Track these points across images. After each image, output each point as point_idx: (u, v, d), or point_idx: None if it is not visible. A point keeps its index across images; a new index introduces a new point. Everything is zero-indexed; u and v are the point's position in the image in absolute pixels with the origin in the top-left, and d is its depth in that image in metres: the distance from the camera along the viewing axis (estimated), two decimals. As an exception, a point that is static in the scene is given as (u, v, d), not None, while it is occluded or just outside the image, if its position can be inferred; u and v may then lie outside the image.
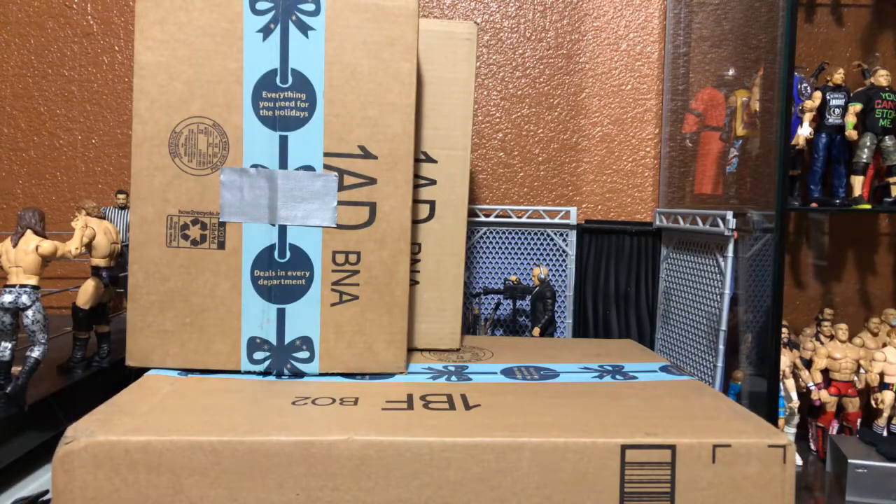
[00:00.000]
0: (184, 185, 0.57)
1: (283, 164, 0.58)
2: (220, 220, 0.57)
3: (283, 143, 0.58)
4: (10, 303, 0.56)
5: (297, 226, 0.58)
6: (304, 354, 0.59)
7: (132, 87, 1.03)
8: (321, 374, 0.59)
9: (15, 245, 0.57)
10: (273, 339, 0.59)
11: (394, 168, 0.59)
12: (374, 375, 0.59)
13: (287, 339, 0.59)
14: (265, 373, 0.59)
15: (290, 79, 0.57)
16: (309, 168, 0.58)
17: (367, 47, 0.58)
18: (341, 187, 0.59)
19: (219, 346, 0.58)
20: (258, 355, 0.59)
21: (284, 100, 0.57)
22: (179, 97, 0.57)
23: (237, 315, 0.58)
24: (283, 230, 0.58)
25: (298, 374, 0.59)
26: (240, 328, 0.58)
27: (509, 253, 0.98)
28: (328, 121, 0.58)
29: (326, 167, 0.58)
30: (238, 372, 0.58)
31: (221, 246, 0.58)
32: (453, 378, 0.59)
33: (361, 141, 0.58)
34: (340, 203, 0.59)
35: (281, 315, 0.59)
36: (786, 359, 0.82)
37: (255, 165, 0.57)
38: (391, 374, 0.60)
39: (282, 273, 0.58)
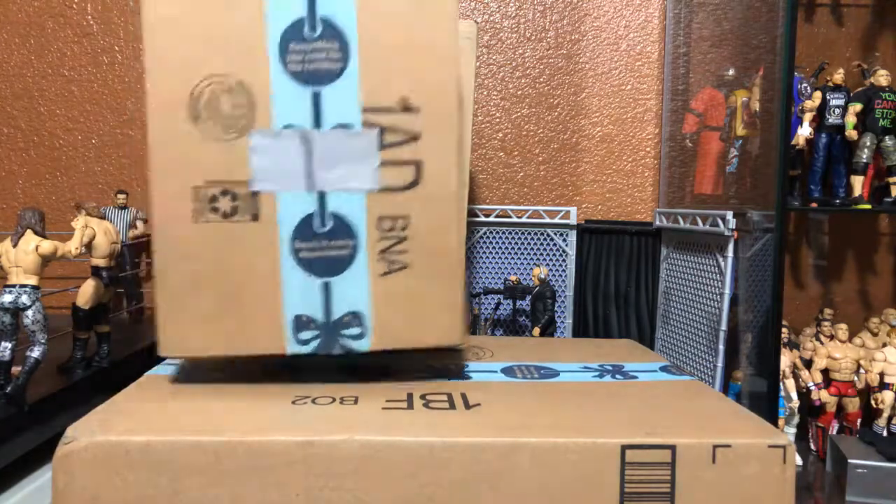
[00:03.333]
0: (209, 152, 0.51)
1: (318, 122, 0.52)
2: (252, 189, 0.52)
3: (316, 99, 0.52)
4: (10, 303, 0.56)
5: (336, 191, 0.52)
6: (355, 331, 0.54)
7: (130, 86, 1.04)
8: (373, 352, 0.54)
9: (15, 245, 0.57)
10: (320, 317, 0.53)
11: (439, 121, 0.52)
12: (379, 372, 0.59)
13: (335, 316, 0.53)
14: (313, 354, 0.53)
15: (320, 27, 0.51)
16: (346, 126, 0.52)
17: None
18: (382, 146, 0.52)
19: (261, 328, 0.53)
20: (304, 335, 0.53)
21: (314, 51, 0.51)
22: (197, 54, 0.51)
23: (278, 292, 0.53)
24: (322, 196, 0.52)
25: (350, 353, 0.54)
26: (282, 306, 0.53)
27: (509, 253, 0.98)
28: (364, 72, 0.52)
29: (365, 124, 0.52)
30: (283, 356, 0.53)
31: (255, 218, 0.52)
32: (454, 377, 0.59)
33: (402, 92, 0.52)
34: (383, 163, 0.52)
35: (326, 289, 0.53)
36: (786, 359, 0.82)
37: (286, 126, 0.52)
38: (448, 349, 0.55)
39: (324, 243, 0.53)
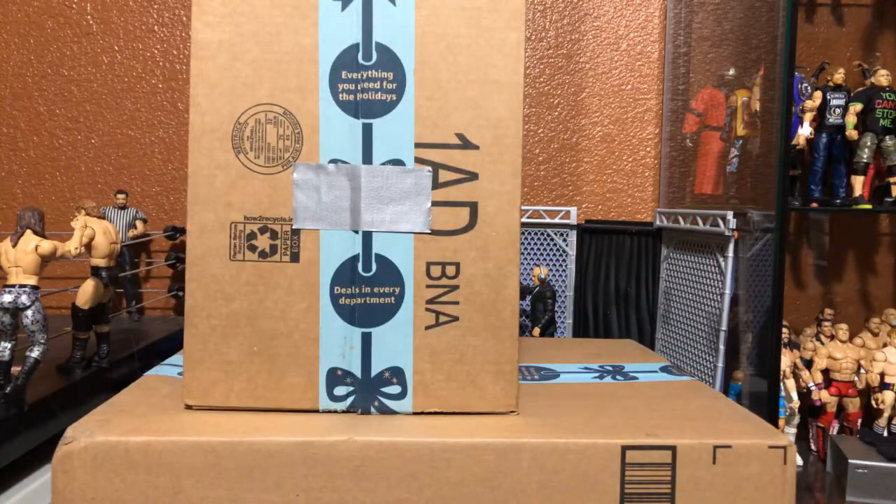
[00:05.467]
0: (250, 185, 0.48)
1: (368, 158, 0.49)
2: (294, 226, 0.48)
3: (367, 132, 0.48)
4: (9, 303, 0.56)
5: (384, 232, 0.49)
6: (395, 389, 0.50)
7: (130, 86, 1.04)
8: (415, 413, 0.50)
9: (14, 245, 0.57)
10: (357, 371, 0.49)
11: (499, 160, 0.49)
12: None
13: (374, 371, 0.49)
14: (347, 411, 0.50)
15: (375, 55, 0.48)
16: (398, 162, 0.49)
17: (465, 14, 0.48)
18: (436, 184, 0.49)
19: (292, 380, 0.49)
20: (339, 390, 0.49)
21: (368, 80, 0.48)
22: (244, 81, 0.48)
23: (314, 342, 0.49)
24: (367, 238, 0.49)
25: (387, 413, 0.50)
26: (318, 358, 0.49)
27: (509, 253, 0.98)
28: (420, 104, 0.49)
29: (418, 160, 0.49)
30: (316, 411, 0.49)
31: (295, 258, 0.49)
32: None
33: (460, 128, 0.49)
34: (435, 204, 0.49)
35: (366, 341, 0.49)
36: (786, 359, 0.82)
37: (333, 161, 0.48)
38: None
39: (367, 290, 0.49)
